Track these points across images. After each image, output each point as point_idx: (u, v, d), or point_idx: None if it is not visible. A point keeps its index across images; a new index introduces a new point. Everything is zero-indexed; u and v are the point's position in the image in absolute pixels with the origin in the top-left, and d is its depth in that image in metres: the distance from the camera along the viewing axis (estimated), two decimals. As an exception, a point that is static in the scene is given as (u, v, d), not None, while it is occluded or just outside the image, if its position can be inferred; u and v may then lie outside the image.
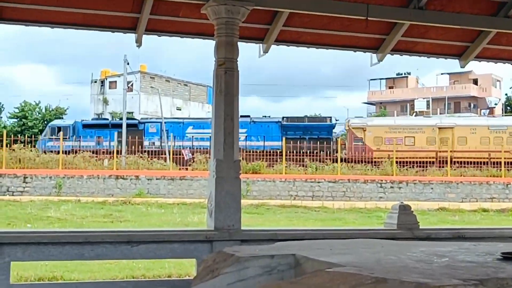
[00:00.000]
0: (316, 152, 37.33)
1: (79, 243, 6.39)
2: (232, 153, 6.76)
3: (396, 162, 34.93)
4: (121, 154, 37.23)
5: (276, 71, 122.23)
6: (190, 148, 38.53)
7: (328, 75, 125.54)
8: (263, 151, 37.37)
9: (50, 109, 69.31)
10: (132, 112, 61.97)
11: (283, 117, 44.98)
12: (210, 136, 7.04)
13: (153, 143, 41.64)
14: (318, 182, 31.98)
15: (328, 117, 46.15)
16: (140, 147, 34.46)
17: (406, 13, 7.71)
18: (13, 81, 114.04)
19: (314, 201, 29.87)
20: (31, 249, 6.29)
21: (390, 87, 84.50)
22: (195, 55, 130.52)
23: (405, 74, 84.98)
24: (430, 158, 37.17)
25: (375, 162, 36.90)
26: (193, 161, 37.10)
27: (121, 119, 46.06)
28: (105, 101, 72.64)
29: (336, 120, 46.60)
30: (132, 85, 64.07)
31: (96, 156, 36.12)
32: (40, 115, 66.51)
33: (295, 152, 36.16)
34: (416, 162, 36.73)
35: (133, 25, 7.63)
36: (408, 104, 77.56)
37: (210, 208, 6.77)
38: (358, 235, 6.59)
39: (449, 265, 3.78)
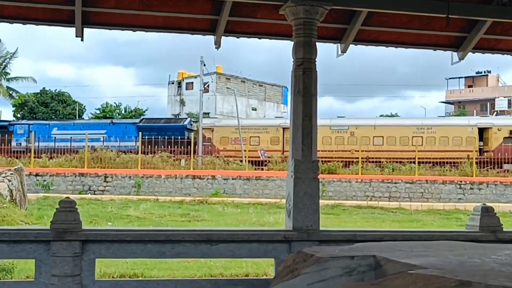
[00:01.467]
0: (171, 151, 38.48)
1: (160, 242, 6.53)
2: (310, 153, 6.74)
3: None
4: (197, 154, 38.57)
5: (351, 70, 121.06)
6: (53, 148, 40.64)
7: (405, 74, 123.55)
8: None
9: (130, 110, 71.14)
10: (208, 113, 62.77)
11: (141, 119, 48.43)
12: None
13: (20, 143, 44.04)
14: (395, 183, 31.50)
15: (184, 118, 49.47)
16: (9, 145, 37.60)
17: (488, 10, 7.52)
18: (92, 83, 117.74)
19: (391, 202, 29.41)
20: (115, 246, 6.48)
21: (469, 86, 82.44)
22: (270, 56, 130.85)
23: (485, 72, 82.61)
24: (275, 158, 36.95)
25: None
26: (269, 162, 37.36)
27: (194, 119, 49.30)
28: (182, 102, 73.87)
29: (193, 122, 48.38)
30: (208, 86, 64.94)
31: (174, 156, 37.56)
32: (120, 116, 68.31)
33: (150, 152, 37.32)
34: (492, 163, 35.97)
35: (212, 27, 7.74)
36: (488, 103, 75.37)
37: (289, 209, 6.77)
38: (438, 237, 6.47)
39: (537, 269, 3.66)
